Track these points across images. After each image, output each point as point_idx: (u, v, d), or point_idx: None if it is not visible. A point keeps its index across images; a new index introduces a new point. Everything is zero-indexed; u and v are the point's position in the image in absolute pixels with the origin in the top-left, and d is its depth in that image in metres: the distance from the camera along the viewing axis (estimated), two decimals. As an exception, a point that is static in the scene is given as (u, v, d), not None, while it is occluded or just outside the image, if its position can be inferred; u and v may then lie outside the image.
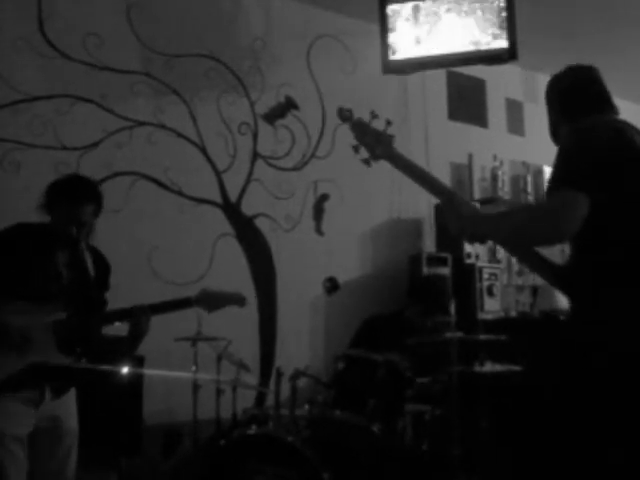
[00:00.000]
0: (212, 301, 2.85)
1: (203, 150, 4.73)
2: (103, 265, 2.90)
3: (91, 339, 2.77)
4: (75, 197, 2.67)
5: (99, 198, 2.75)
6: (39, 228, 2.70)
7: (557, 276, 2.18)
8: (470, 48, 4.53)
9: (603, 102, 2.23)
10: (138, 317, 2.72)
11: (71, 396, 2.79)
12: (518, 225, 2.02)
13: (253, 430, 3.28)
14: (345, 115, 2.38)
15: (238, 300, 2.94)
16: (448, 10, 4.54)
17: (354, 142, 2.37)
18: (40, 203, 2.70)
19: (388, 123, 2.36)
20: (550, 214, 1.94)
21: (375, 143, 2.33)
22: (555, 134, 2.31)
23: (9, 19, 4.08)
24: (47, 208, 2.70)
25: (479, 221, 2.15)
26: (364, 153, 2.38)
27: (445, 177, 5.87)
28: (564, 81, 2.31)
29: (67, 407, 2.76)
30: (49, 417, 2.66)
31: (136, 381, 3.66)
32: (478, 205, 5.45)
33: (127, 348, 2.86)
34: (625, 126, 2.09)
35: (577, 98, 2.24)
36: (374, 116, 2.38)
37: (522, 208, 2.42)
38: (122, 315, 2.75)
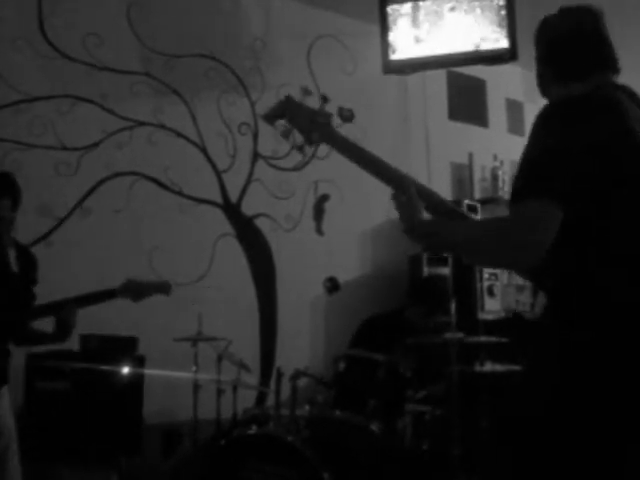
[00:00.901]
0: (137, 290, 2.82)
1: (203, 150, 4.73)
2: (28, 260, 2.85)
3: (17, 335, 2.75)
4: None
5: (16, 191, 2.70)
6: None
7: (534, 272, 1.83)
8: (470, 48, 4.52)
9: (603, 59, 1.85)
10: (64, 311, 2.70)
11: (4, 393, 2.76)
12: (473, 242, 1.71)
13: (253, 430, 3.28)
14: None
15: (163, 288, 2.89)
16: (448, 9, 4.54)
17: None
18: None
19: (324, 99, 1.99)
20: (505, 235, 1.60)
21: (310, 125, 1.97)
22: (544, 90, 1.93)
23: (9, 19, 4.08)
24: None
25: (435, 222, 1.84)
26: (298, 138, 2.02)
27: (445, 177, 5.88)
28: (558, 28, 1.89)
29: None
30: None
31: (136, 381, 3.67)
32: (478, 205, 5.46)
33: (54, 341, 2.84)
34: (622, 96, 1.76)
35: (571, 53, 1.85)
36: (307, 92, 2.04)
37: (486, 221, 2.01)
38: (47, 309, 2.72)
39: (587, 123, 1.64)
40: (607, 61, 1.85)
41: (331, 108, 2.04)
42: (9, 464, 2.68)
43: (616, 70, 1.86)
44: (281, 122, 2.04)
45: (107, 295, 2.78)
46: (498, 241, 1.61)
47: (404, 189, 1.84)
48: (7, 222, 2.68)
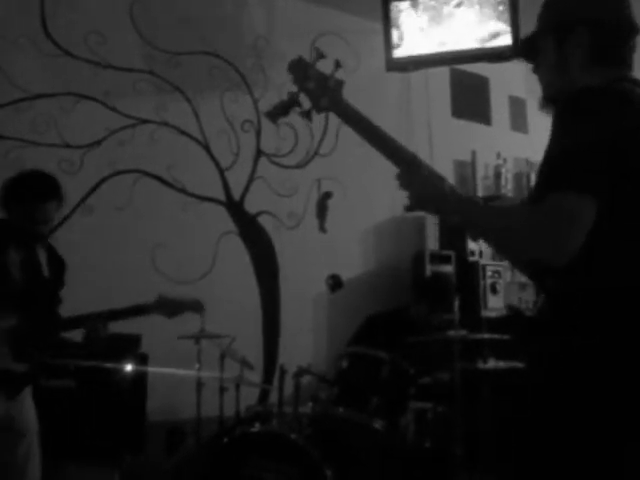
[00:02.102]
0: (170, 308, 2.85)
1: (206, 148, 4.73)
2: (58, 262, 2.83)
3: (47, 345, 2.73)
4: (39, 194, 2.60)
5: (61, 194, 2.68)
6: None
7: (536, 272, 1.77)
8: (474, 45, 4.52)
9: (632, 48, 1.72)
10: (94, 324, 2.70)
11: (26, 395, 2.74)
12: (504, 233, 1.60)
13: (256, 428, 3.28)
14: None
15: (196, 307, 2.94)
16: (452, 6, 4.54)
17: (293, 88, 1.88)
18: None
19: (337, 65, 1.85)
20: (542, 226, 1.50)
21: (320, 90, 1.83)
22: (563, 72, 1.75)
23: (12, 17, 4.08)
24: (4, 205, 2.60)
25: (456, 202, 1.72)
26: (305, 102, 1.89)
27: (449, 175, 5.87)
28: (597, 9, 1.71)
29: (22, 406, 2.72)
30: (3, 417, 2.61)
31: (140, 378, 3.67)
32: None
33: (83, 352, 2.84)
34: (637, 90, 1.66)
35: (613, 37, 1.70)
36: (320, 56, 1.87)
37: (518, 211, 1.71)
38: (78, 322, 2.71)
39: (620, 116, 1.57)
40: (633, 52, 1.75)
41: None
42: (29, 465, 2.69)
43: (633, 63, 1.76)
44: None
45: (140, 310, 2.80)
46: (532, 231, 1.52)
47: (414, 168, 1.75)
48: (50, 224, 2.68)
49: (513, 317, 5.13)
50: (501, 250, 1.74)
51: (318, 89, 1.83)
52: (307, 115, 1.88)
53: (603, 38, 1.71)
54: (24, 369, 2.61)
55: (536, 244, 1.52)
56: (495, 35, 4.44)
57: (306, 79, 1.84)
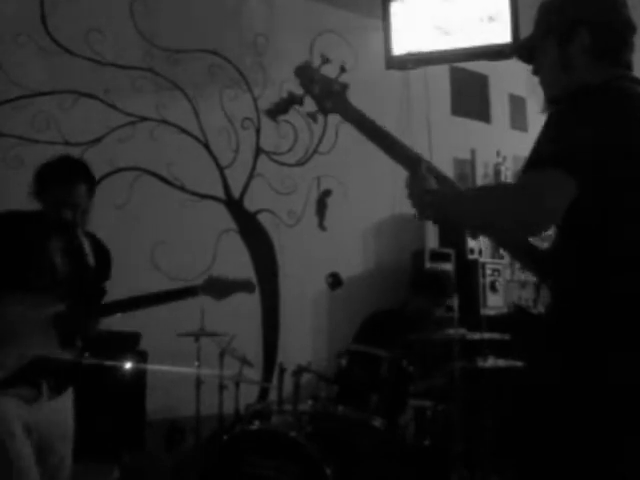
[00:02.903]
0: (220, 289, 2.73)
1: (206, 145, 4.73)
2: (103, 253, 2.73)
3: (92, 331, 2.63)
4: (66, 178, 2.50)
5: (91, 178, 2.58)
6: (31, 215, 2.53)
7: (538, 262, 1.82)
8: (473, 43, 4.52)
9: (631, 47, 1.74)
10: (141, 308, 2.62)
11: (68, 398, 2.61)
12: (485, 209, 1.63)
13: (256, 425, 3.28)
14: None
15: (247, 286, 2.80)
16: (451, 3, 4.54)
17: (299, 91, 1.98)
18: (30, 190, 2.51)
19: (342, 70, 1.95)
20: (525, 196, 1.55)
21: (325, 93, 1.93)
22: (566, 67, 1.75)
23: (11, 14, 4.08)
24: (38, 194, 2.52)
25: (444, 201, 1.74)
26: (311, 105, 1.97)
27: (448, 172, 5.78)
28: (595, 9, 1.73)
29: (65, 408, 2.58)
30: (44, 420, 2.45)
31: (139, 376, 3.67)
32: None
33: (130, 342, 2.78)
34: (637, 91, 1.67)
35: (613, 34, 1.72)
36: (325, 60, 1.98)
37: (495, 187, 1.75)
38: (125, 305, 2.63)
39: (619, 112, 1.60)
40: (632, 51, 1.76)
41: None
42: (61, 473, 2.53)
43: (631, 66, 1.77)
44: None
45: (188, 292, 2.68)
46: (512, 201, 1.56)
47: (415, 167, 1.78)
48: (83, 210, 2.56)
49: (518, 315, 5.12)
50: (485, 225, 1.71)
51: (323, 92, 1.92)
52: (313, 117, 1.97)
53: (603, 38, 1.72)
54: (70, 357, 2.51)
55: (514, 212, 1.55)
56: (495, 32, 4.43)
57: (312, 83, 1.92)
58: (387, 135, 1.87)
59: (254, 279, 4.85)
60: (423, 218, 1.77)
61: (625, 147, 1.57)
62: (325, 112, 1.96)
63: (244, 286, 2.80)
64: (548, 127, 1.63)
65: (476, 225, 1.81)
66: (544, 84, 1.85)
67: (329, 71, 1.97)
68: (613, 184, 1.56)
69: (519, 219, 1.56)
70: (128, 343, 3.72)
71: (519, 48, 1.90)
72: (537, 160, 1.57)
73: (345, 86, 1.93)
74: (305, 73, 1.96)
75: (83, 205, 2.56)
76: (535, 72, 1.86)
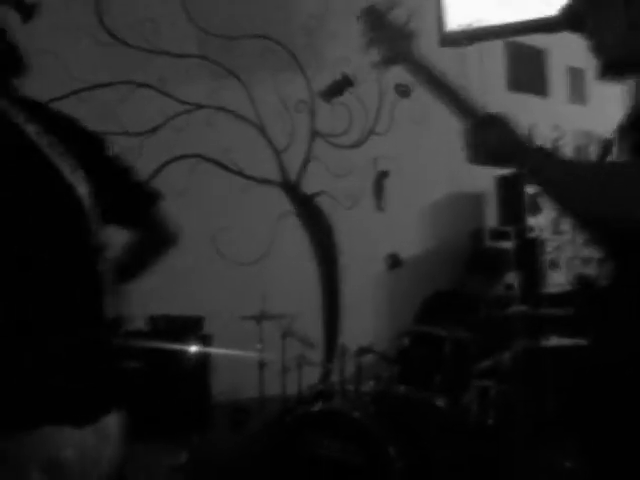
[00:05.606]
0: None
1: (262, 130, 4.76)
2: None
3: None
4: None
5: None
6: None
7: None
8: (530, 16, 4.42)
9: None
10: None
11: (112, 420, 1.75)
12: (620, 195, 1.41)
13: (319, 406, 3.31)
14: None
15: None
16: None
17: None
18: None
19: (409, 19, 1.82)
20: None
21: (392, 41, 1.77)
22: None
23: (68, 10, 4.15)
24: None
25: (555, 169, 1.59)
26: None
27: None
28: None
29: (113, 433, 1.67)
30: (89, 448, 1.52)
31: (203, 360, 3.74)
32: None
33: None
34: None
35: None
36: (393, 5, 1.82)
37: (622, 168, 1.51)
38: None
39: None
40: None
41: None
42: None
43: None
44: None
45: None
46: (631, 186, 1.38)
47: (489, 121, 1.68)
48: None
49: (583, 288, 5.02)
50: (593, 209, 1.49)
51: (390, 40, 1.78)
52: (378, 66, 1.82)
53: None
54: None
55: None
56: (552, 4, 4.32)
57: (379, 28, 1.77)
58: (458, 90, 1.74)
59: (313, 261, 4.90)
60: (488, 165, 1.66)
61: None
62: (390, 61, 1.78)
63: None
64: None
65: (598, 210, 1.51)
66: (602, 47, 1.69)
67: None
68: None
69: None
70: (192, 327, 3.79)
71: (568, 10, 1.72)
72: None
73: (412, 33, 1.77)
74: (372, 16, 1.78)
75: None
76: (589, 35, 1.70)
